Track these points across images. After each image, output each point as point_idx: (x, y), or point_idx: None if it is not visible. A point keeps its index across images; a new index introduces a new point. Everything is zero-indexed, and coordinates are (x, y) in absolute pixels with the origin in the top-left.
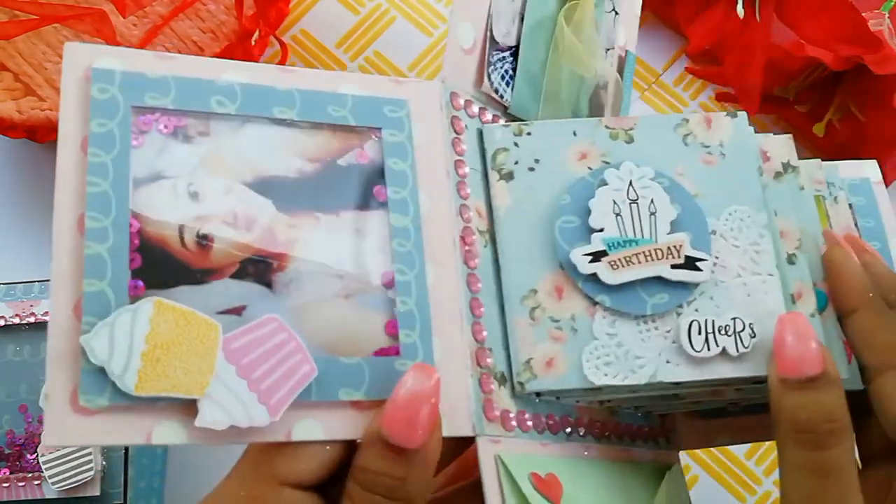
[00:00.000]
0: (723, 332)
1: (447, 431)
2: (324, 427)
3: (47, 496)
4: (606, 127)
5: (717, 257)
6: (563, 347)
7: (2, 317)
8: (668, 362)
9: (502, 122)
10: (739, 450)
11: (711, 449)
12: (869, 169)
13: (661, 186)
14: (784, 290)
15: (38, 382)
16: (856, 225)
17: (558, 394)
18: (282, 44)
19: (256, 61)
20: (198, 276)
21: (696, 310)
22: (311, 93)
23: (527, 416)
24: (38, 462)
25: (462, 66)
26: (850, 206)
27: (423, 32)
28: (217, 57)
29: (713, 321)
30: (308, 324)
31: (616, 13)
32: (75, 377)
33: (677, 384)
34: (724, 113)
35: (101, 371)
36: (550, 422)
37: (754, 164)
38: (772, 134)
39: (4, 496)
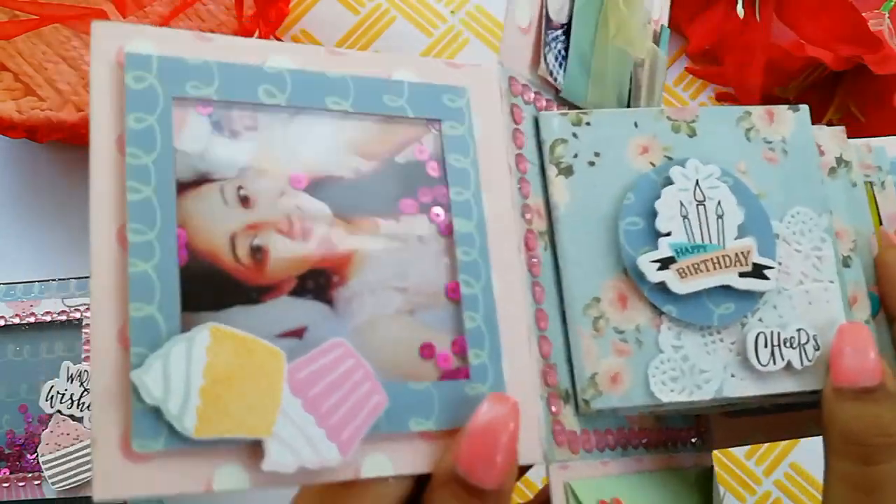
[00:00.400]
0: (788, 344)
1: (522, 460)
2: (393, 462)
3: (47, 496)
4: (668, 118)
5: (780, 263)
6: (628, 361)
7: (2, 317)
8: (732, 376)
9: (556, 108)
10: (739, 450)
11: None
12: None
13: (727, 186)
14: (844, 296)
15: (37, 382)
16: None
17: (624, 411)
18: None
19: None
20: (253, 294)
21: (760, 320)
22: (365, 80)
23: (591, 435)
24: (38, 462)
25: (519, 47)
26: None
27: (423, 32)
28: None
29: (779, 333)
30: (373, 345)
31: None
32: (126, 418)
33: (740, 398)
34: (786, 106)
35: (156, 411)
36: (610, 438)
37: (816, 162)
38: (824, 126)
39: (4, 496)
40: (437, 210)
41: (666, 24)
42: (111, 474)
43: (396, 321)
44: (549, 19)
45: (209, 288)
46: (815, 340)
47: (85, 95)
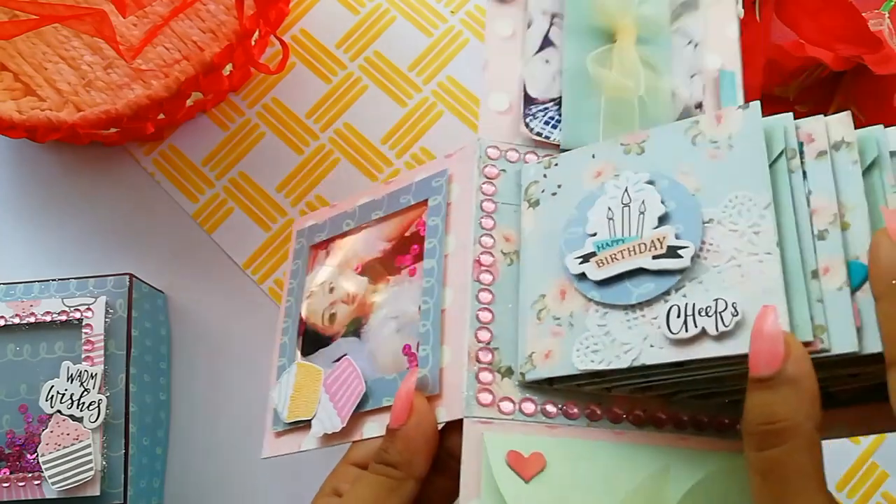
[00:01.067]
0: (703, 313)
1: (445, 416)
2: (379, 426)
3: (47, 496)
4: (621, 144)
5: (711, 244)
6: (560, 341)
7: (2, 317)
8: (651, 346)
9: (546, 158)
10: None
11: None
12: None
13: (654, 188)
14: (805, 266)
15: (37, 382)
16: None
17: (556, 382)
18: (283, 44)
19: (256, 61)
20: (327, 340)
21: (684, 295)
22: (394, 193)
23: (532, 403)
24: (38, 462)
25: (498, 125)
26: None
27: (423, 32)
28: (217, 57)
29: (693, 304)
30: (377, 356)
31: (696, 44)
32: (271, 415)
33: (667, 365)
34: (738, 105)
35: (275, 410)
36: (565, 409)
37: (761, 150)
38: (823, 115)
39: (4, 496)
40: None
41: (733, 68)
42: (267, 444)
43: (391, 338)
44: (530, 98)
45: (311, 343)
46: (734, 308)
47: (84, 95)
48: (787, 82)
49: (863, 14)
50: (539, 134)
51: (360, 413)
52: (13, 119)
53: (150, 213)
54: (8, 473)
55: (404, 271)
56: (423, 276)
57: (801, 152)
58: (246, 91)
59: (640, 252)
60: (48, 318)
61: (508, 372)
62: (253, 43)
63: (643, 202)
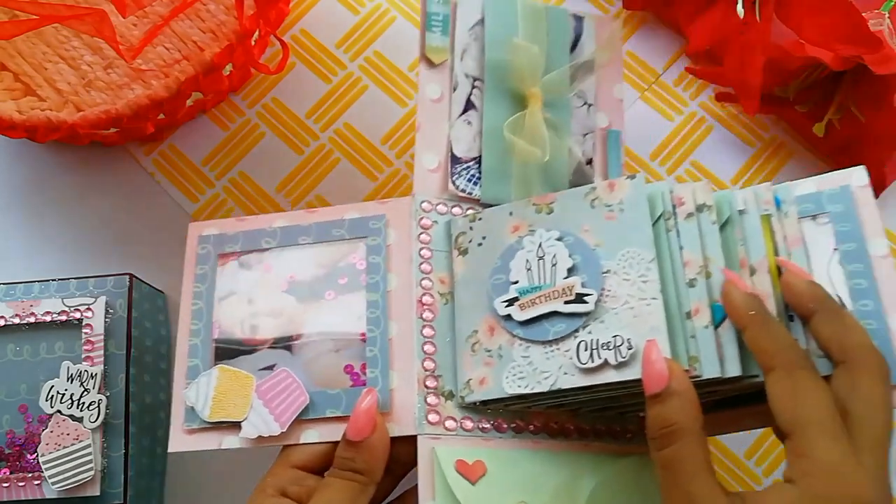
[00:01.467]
0: (605, 347)
1: (397, 432)
2: (319, 433)
3: (47, 496)
4: (533, 204)
5: (609, 290)
6: (492, 370)
7: (2, 317)
8: (565, 374)
9: (470, 212)
10: (739, 450)
11: (711, 449)
12: (855, 175)
13: (563, 244)
14: (681, 308)
15: (37, 382)
16: (802, 243)
17: (489, 403)
18: (283, 43)
19: (256, 61)
20: (250, 349)
21: (590, 332)
22: (323, 224)
23: (470, 421)
24: (38, 462)
25: (430, 182)
26: (827, 217)
27: None
28: (217, 57)
29: (598, 339)
30: (313, 371)
31: (589, 104)
32: (183, 412)
33: (577, 389)
34: (625, 176)
35: (192, 409)
36: (497, 424)
37: (645, 214)
38: (690, 182)
39: (4, 496)
40: (360, 289)
41: (619, 127)
42: (178, 439)
43: (328, 356)
44: (456, 158)
45: (228, 349)
46: (629, 342)
47: (84, 95)
48: (787, 82)
49: (863, 14)
50: (463, 191)
51: (298, 420)
52: (13, 119)
53: (150, 213)
54: (8, 473)
55: (340, 297)
56: (368, 307)
57: (675, 213)
58: (246, 91)
59: (554, 298)
60: (48, 318)
61: (450, 395)
62: (253, 43)
63: (555, 256)
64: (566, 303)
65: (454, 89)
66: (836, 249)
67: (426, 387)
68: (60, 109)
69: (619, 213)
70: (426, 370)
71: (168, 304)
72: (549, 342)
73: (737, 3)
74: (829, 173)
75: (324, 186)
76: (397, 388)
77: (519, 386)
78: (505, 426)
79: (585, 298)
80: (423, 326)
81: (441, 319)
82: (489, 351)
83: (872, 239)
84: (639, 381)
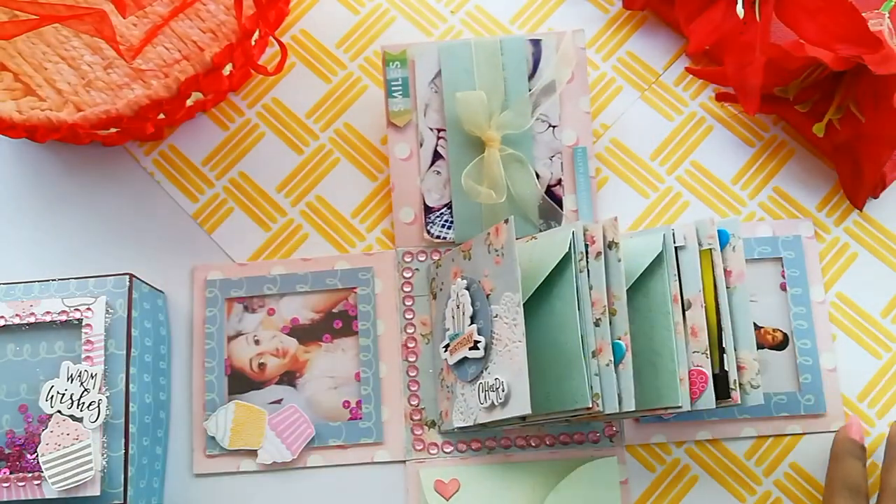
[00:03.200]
0: (491, 389)
1: (388, 458)
2: (323, 458)
3: (47, 496)
4: (461, 251)
5: (497, 334)
6: (450, 403)
7: (2, 317)
8: (479, 410)
9: (436, 256)
10: (739, 450)
11: (711, 449)
12: (803, 227)
13: (469, 293)
14: (587, 347)
15: (37, 382)
16: (744, 278)
17: (463, 428)
18: (281, 45)
19: (256, 61)
20: (259, 385)
21: (488, 373)
22: (317, 273)
23: (449, 444)
24: (38, 462)
25: (409, 233)
26: (782, 259)
27: (422, 32)
28: (217, 57)
29: (487, 382)
30: (315, 405)
31: (554, 126)
32: (204, 440)
33: (487, 423)
34: (504, 220)
35: (213, 438)
36: (473, 444)
37: (513, 258)
38: (600, 221)
39: (4, 496)
40: (352, 334)
41: (585, 143)
42: (199, 463)
43: (328, 393)
44: (429, 208)
45: (239, 384)
46: (504, 384)
47: (84, 95)
48: (787, 82)
49: (863, 14)
50: (438, 237)
51: (306, 448)
52: (13, 119)
53: (150, 213)
54: (8, 473)
55: (336, 340)
56: (360, 350)
57: (587, 253)
58: (246, 91)
59: (464, 344)
60: (48, 318)
61: (432, 424)
62: (253, 43)
63: (462, 305)
64: (470, 349)
65: (420, 145)
66: (783, 290)
67: (412, 419)
68: (60, 109)
69: (501, 257)
70: (411, 405)
71: (168, 304)
72: (470, 382)
73: (737, 3)
74: (782, 220)
75: (324, 186)
76: (388, 420)
77: (460, 420)
78: (479, 445)
79: (478, 345)
80: (408, 367)
81: (423, 358)
82: (448, 387)
83: (814, 286)
84: (512, 419)
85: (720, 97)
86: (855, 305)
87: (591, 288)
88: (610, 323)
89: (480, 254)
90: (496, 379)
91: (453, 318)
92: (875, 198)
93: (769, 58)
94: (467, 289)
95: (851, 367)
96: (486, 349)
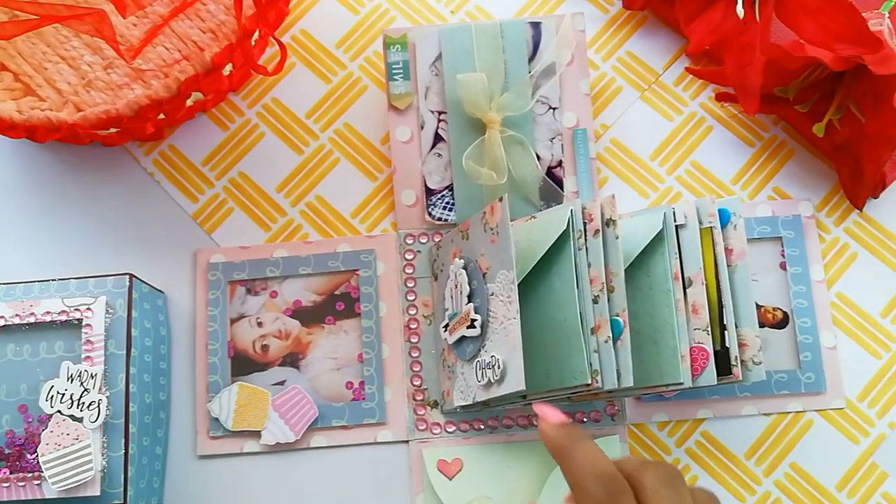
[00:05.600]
0: (488, 367)
1: (392, 438)
2: (327, 439)
3: (47, 496)
4: (459, 231)
5: (493, 312)
6: (452, 383)
7: (2, 317)
8: (478, 388)
9: (437, 238)
10: (739, 450)
11: (711, 449)
12: (803, 207)
13: (466, 272)
14: (586, 324)
15: (37, 382)
16: (746, 256)
17: (466, 407)
18: (280, 45)
19: (256, 61)
20: (262, 366)
21: (485, 352)
22: (320, 255)
23: (452, 424)
24: (38, 462)
25: (410, 215)
26: (780, 239)
27: None
28: (217, 57)
29: (485, 360)
30: (318, 386)
31: (554, 108)
32: (207, 421)
33: (490, 400)
34: (499, 198)
35: (216, 419)
36: (476, 424)
37: (508, 235)
38: (598, 199)
39: (4, 496)
40: (355, 315)
41: (586, 125)
42: (202, 444)
43: (330, 374)
44: (430, 190)
45: (242, 366)
46: (500, 362)
47: (84, 95)
48: (787, 82)
49: (863, 14)
50: (439, 219)
51: (309, 429)
52: (13, 119)
53: (150, 213)
54: (8, 473)
55: (338, 322)
56: (363, 332)
57: (585, 231)
58: (246, 91)
59: (462, 323)
60: (48, 318)
61: (434, 404)
62: (253, 43)
63: (459, 284)
64: (467, 328)
65: (421, 128)
66: (783, 269)
67: (415, 400)
68: (60, 109)
69: (496, 236)
70: (414, 385)
71: (168, 304)
72: (468, 360)
73: (737, 3)
74: (782, 201)
75: (324, 186)
76: (391, 401)
77: (460, 399)
78: (482, 425)
79: (475, 324)
80: (411, 348)
81: (425, 339)
82: (450, 367)
83: (814, 265)
84: (511, 396)
85: (720, 97)
86: (855, 305)
87: (589, 265)
88: (608, 300)
89: (477, 233)
90: (492, 356)
91: (452, 297)
92: (875, 198)
93: (769, 58)
94: (464, 268)
95: (851, 368)
96: (482, 327)
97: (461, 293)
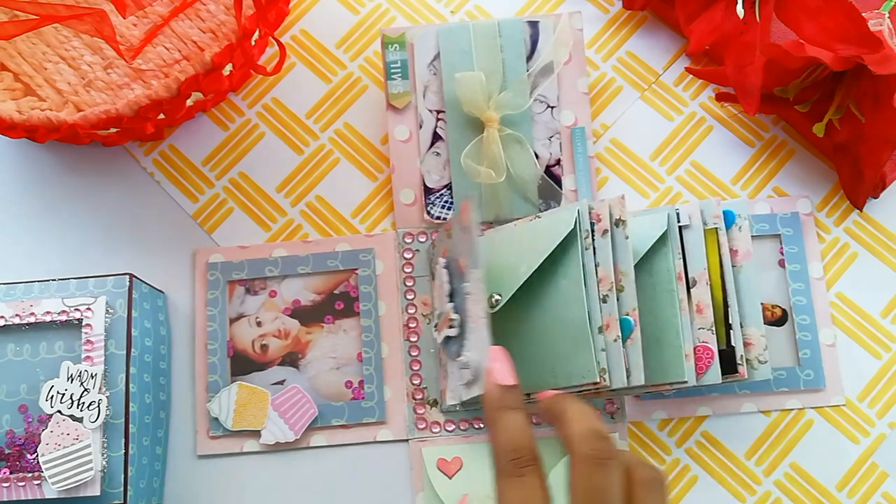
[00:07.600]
0: (465, 367)
1: (392, 437)
2: (326, 438)
3: (47, 496)
4: (445, 230)
5: (469, 311)
6: (446, 382)
7: (2, 317)
8: (463, 388)
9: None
10: (739, 450)
11: (711, 449)
12: (801, 204)
13: (447, 272)
14: (594, 323)
15: (37, 382)
16: (751, 257)
17: (465, 404)
18: (280, 45)
19: (256, 61)
20: (261, 366)
21: (465, 352)
22: (318, 254)
23: (451, 422)
24: (38, 462)
25: (409, 214)
26: (779, 236)
27: None
28: (217, 57)
29: (464, 360)
30: (317, 385)
31: (552, 107)
32: (207, 421)
33: (465, 400)
34: (467, 198)
35: (216, 419)
36: (475, 423)
37: (476, 234)
38: (606, 199)
39: (4, 496)
40: (354, 315)
41: (583, 123)
42: (202, 444)
43: (330, 373)
44: (429, 189)
45: (241, 365)
46: (474, 362)
47: (84, 95)
48: (786, 82)
49: (863, 14)
50: (438, 218)
51: (309, 428)
52: (13, 119)
53: (150, 213)
54: (8, 473)
55: (337, 321)
56: (363, 331)
57: (593, 231)
58: (246, 91)
59: (445, 323)
60: (48, 318)
61: (434, 403)
62: (253, 43)
63: (442, 283)
64: (449, 328)
65: (420, 126)
66: (782, 267)
67: (414, 398)
68: (60, 109)
69: (468, 234)
70: (413, 384)
71: (168, 304)
72: (455, 360)
73: (737, 3)
74: (780, 198)
75: (324, 186)
76: (390, 400)
77: (451, 397)
78: (482, 424)
79: (453, 323)
80: (410, 347)
81: (424, 338)
82: (444, 366)
83: (812, 262)
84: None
85: (720, 97)
86: (855, 305)
87: (597, 265)
88: (617, 299)
89: (456, 232)
90: (468, 356)
91: (437, 296)
92: (875, 198)
93: (769, 58)
94: (446, 267)
95: (851, 367)
96: (461, 326)
97: (444, 292)
